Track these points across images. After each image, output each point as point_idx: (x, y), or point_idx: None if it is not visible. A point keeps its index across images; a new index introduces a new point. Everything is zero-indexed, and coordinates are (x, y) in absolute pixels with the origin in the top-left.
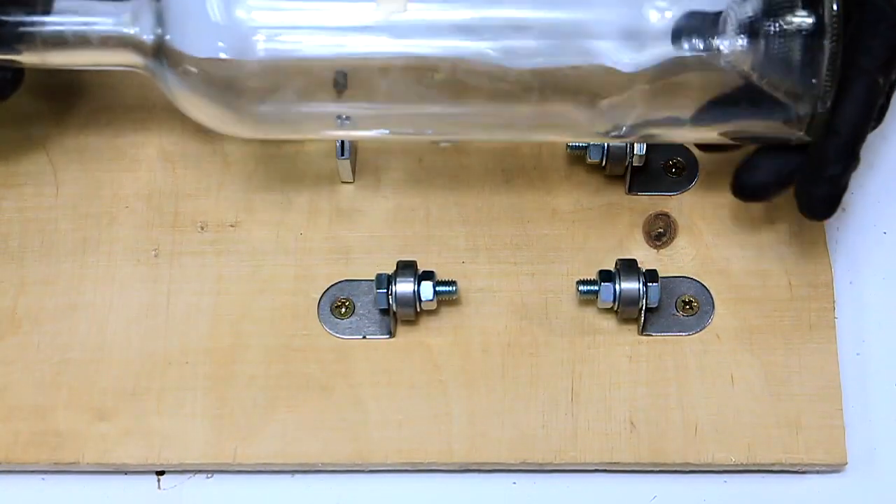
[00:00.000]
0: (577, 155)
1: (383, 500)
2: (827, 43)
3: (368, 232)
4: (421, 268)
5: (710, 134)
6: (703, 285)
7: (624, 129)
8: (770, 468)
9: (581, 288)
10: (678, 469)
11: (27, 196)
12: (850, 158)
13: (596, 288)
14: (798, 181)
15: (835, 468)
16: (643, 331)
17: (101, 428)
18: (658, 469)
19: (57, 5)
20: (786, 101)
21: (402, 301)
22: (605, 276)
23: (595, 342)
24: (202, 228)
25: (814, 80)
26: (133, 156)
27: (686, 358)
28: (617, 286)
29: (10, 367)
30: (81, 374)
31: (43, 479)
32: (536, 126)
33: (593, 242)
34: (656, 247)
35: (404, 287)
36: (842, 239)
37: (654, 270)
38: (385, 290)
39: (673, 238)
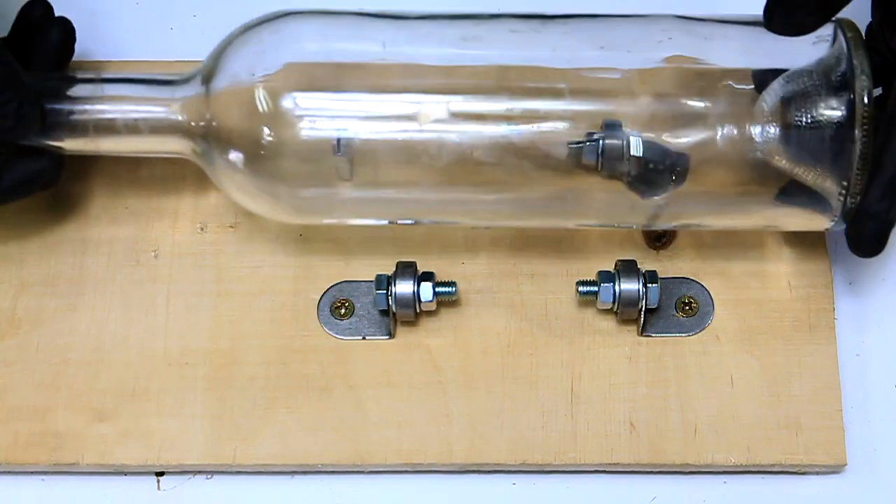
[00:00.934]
0: None
1: (383, 500)
2: (858, 136)
3: (368, 233)
4: (420, 269)
5: (743, 221)
6: (702, 286)
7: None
8: (770, 469)
9: (581, 289)
10: (678, 470)
11: None
12: (895, 194)
13: (596, 289)
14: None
15: (834, 469)
16: (643, 332)
17: (101, 429)
18: (658, 470)
19: (107, 92)
20: (818, 190)
21: (402, 302)
22: (605, 276)
23: (595, 343)
24: (202, 229)
25: (845, 182)
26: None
27: (686, 359)
28: (617, 287)
29: (10, 368)
30: (81, 375)
31: (42, 479)
32: (574, 212)
33: (593, 243)
34: (656, 248)
35: (404, 288)
36: (841, 240)
37: (654, 271)
38: (385, 291)
39: (673, 239)
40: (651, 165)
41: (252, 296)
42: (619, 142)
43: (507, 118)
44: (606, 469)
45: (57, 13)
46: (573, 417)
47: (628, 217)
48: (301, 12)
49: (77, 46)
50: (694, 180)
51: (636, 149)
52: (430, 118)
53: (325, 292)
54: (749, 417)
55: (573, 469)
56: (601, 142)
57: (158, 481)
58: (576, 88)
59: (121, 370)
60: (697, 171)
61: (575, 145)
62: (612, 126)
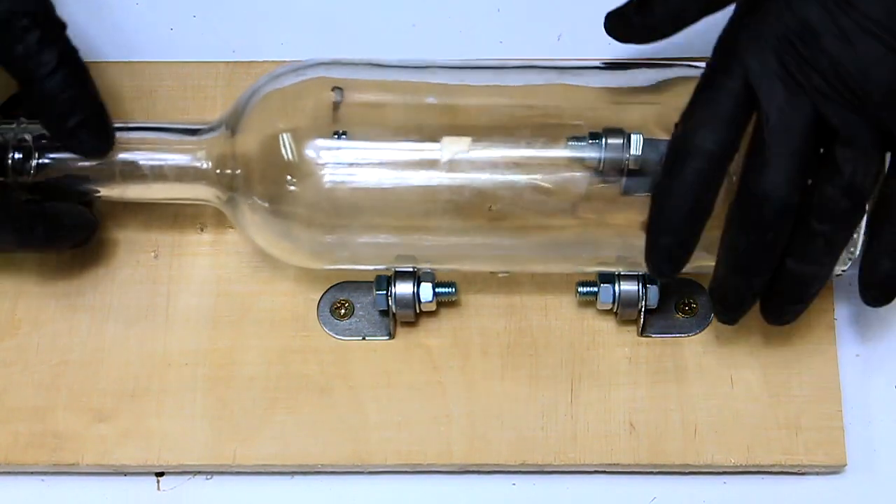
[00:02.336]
0: None
1: (383, 501)
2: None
3: None
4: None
5: None
6: (702, 286)
7: None
8: (769, 469)
9: (580, 289)
10: (678, 470)
11: None
12: None
13: (595, 289)
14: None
15: (834, 469)
16: (643, 332)
17: (101, 429)
18: (658, 470)
19: (134, 140)
20: None
21: (402, 302)
22: (605, 277)
23: (595, 343)
24: (202, 229)
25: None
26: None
27: (685, 359)
28: (616, 288)
29: (10, 369)
30: (81, 376)
31: (42, 479)
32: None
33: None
34: None
35: (404, 289)
36: None
37: None
38: (385, 292)
39: None
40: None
41: (252, 296)
42: (620, 140)
43: (529, 164)
44: (606, 469)
45: (57, 13)
46: (573, 418)
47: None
48: (325, 63)
49: (77, 47)
50: None
51: (636, 147)
52: (454, 152)
53: (324, 293)
54: (749, 417)
55: (573, 469)
56: (603, 140)
57: (158, 481)
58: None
59: (121, 371)
60: None
61: (575, 142)
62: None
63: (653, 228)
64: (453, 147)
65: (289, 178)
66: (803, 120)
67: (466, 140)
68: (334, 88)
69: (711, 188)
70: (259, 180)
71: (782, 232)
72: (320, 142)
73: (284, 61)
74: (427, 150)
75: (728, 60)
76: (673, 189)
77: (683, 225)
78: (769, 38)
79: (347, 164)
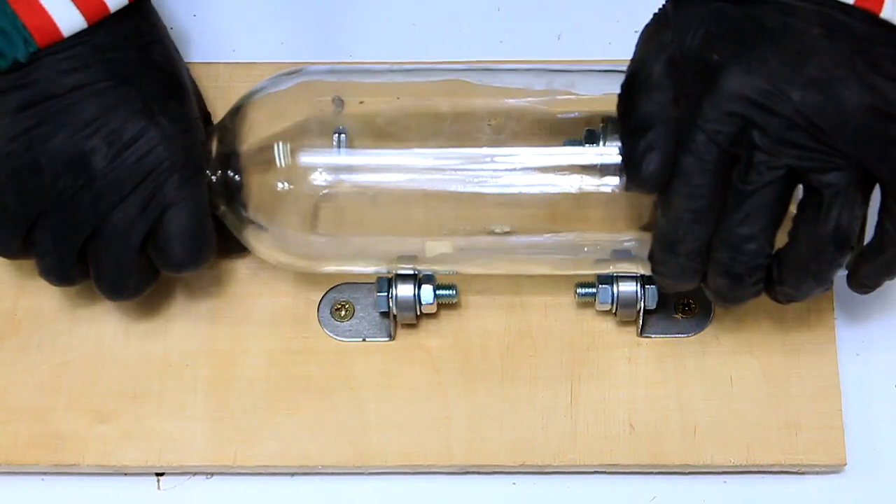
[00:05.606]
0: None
1: (383, 501)
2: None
3: None
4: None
5: None
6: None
7: None
8: (769, 469)
9: (579, 290)
10: (678, 470)
11: None
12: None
13: (594, 290)
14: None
15: (834, 469)
16: (642, 333)
17: (102, 430)
18: (657, 470)
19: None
20: None
21: (403, 305)
22: (604, 278)
23: (594, 344)
24: None
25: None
26: None
27: (685, 359)
28: (615, 288)
29: (11, 369)
30: (81, 376)
31: (43, 479)
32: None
33: None
34: None
35: (405, 291)
36: None
37: None
38: (385, 294)
39: None
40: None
41: (252, 297)
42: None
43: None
44: (606, 470)
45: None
46: (573, 418)
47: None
48: (316, 70)
49: None
50: None
51: None
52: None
53: (325, 294)
54: (749, 417)
55: (573, 470)
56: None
57: (158, 481)
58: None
59: (121, 371)
60: None
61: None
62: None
63: (658, 281)
64: (437, 247)
65: (283, 184)
66: (776, 174)
67: (448, 243)
68: (334, 99)
69: (702, 255)
70: (254, 186)
71: (758, 276)
72: (314, 149)
73: (284, 62)
74: (424, 155)
75: (697, 138)
76: (670, 264)
77: (684, 282)
78: (731, 103)
79: (342, 171)
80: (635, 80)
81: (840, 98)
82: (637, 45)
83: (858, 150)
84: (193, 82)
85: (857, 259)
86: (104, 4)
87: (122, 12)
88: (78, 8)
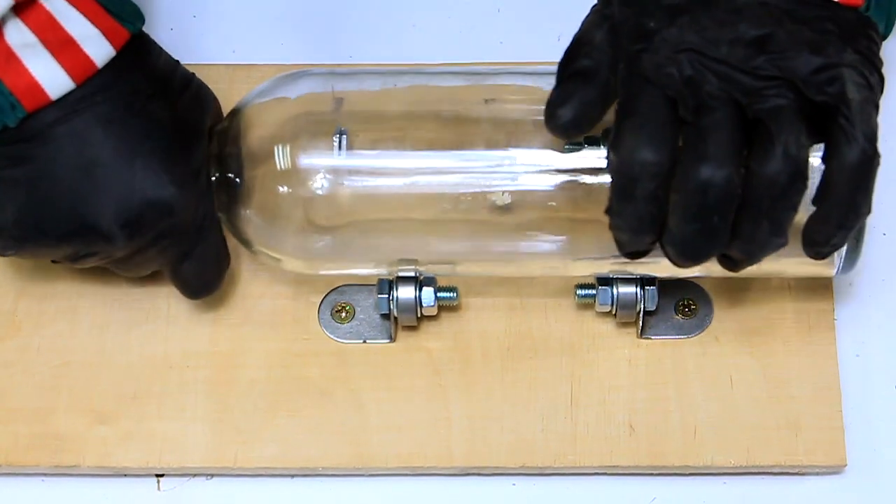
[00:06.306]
0: None
1: (383, 503)
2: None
3: None
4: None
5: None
6: (701, 288)
7: None
8: (769, 470)
9: (579, 292)
10: (678, 471)
11: None
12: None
13: (594, 292)
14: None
15: (834, 470)
16: (642, 334)
17: (102, 431)
18: (658, 471)
19: None
20: None
21: (404, 307)
22: (603, 279)
23: (594, 346)
24: None
25: None
26: None
27: (685, 360)
28: (615, 290)
29: (11, 370)
30: (82, 378)
31: (43, 480)
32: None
33: None
34: None
35: (406, 293)
36: None
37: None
38: (386, 296)
39: None
40: None
41: (253, 299)
42: None
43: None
44: (606, 471)
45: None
46: (573, 420)
47: None
48: (316, 72)
49: None
50: None
51: None
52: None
53: (325, 296)
54: (749, 418)
55: (573, 471)
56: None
57: (158, 482)
58: None
59: (122, 373)
60: None
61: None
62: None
63: (617, 242)
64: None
65: (283, 187)
66: (726, 110)
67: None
68: (334, 100)
69: (661, 201)
70: (254, 189)
71: (727, 217)
72: (314, 151)
73: (285, 64)
74: (424, 157)
75: (640, 83)
76: (627, 212)
77: (644, 235)
78: (669, 56)
79: (342, 173)
80: (575, 46)
81: (771, 46)
82: (582, 21)
83: (797, 82)
84: (214, 98)
85: (809, 217)
86: (92, 64)
87: (113, 64)
88: (63, 68)
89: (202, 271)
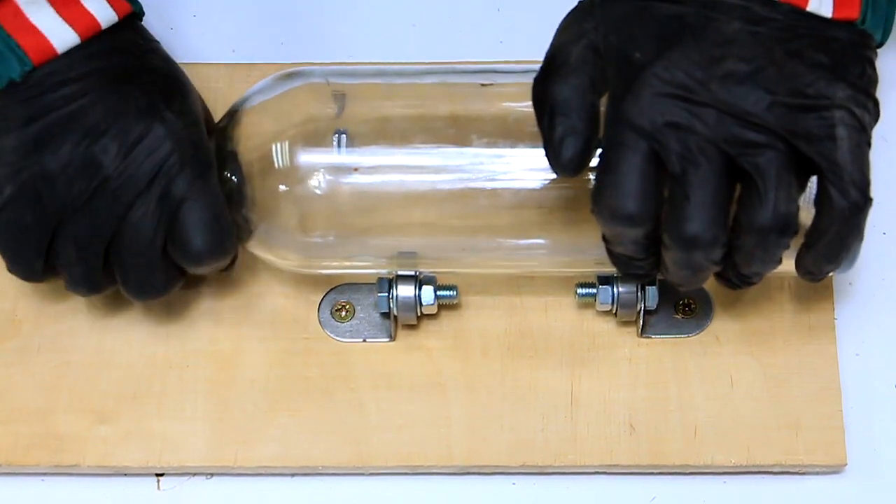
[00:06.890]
0: None
1: (383, 502)
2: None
3: None
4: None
5: None
6: (701, 287)
7: None
8: (770, 469)
9: (579, 290)
10: (678, 471)
11: None
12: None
13: (594, 291)
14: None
15: (834, 469)
16: (642, 333)
17: (102, 431)
18: (658, 471)
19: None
20: None
21: (404, 305)
22: (604, 279)
23: (594, 345)
24: None
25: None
26: None
27: (685, 360)
28: (615, 289)
29: (11, 370)
30: (82, 377)
31: (43, 480)
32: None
33: None
34: None
35: (405, 291)
36: None
37: None
38: (386, 294)
39: None
40: None
41: (253, 298)
42: None
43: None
44: (606, 470)
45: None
46: (573, 419)
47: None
48: (316, 71)
49: None
50: None
51: None
52: None
53: (325, 295)
54: (749, 418)
55: (573, 471)
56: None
57: (158, 481)
58: None
59: (122, 372)
60: None
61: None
62: None
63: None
64: None
65: (282, 185)
66: (713, 164)
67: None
68: (336, 96)
69: (651, 240)
70: (253, 188)
71: (716, 260)
72: (314, 150)
73: (284, 63)
74: (424, 155)
75: (622, 130)
76: (618, 253)
77: (638, 264)
78: (655, 99)
79: (341, 172)
80: (552, 65)
81: (760, 86)
82: (556, 33)
83: (786, 134)
84: (195, 89)
85: (801, 246)
86: (96, 21)
87: (114, 27)
88: (70, 25)
89: (200, 224)
